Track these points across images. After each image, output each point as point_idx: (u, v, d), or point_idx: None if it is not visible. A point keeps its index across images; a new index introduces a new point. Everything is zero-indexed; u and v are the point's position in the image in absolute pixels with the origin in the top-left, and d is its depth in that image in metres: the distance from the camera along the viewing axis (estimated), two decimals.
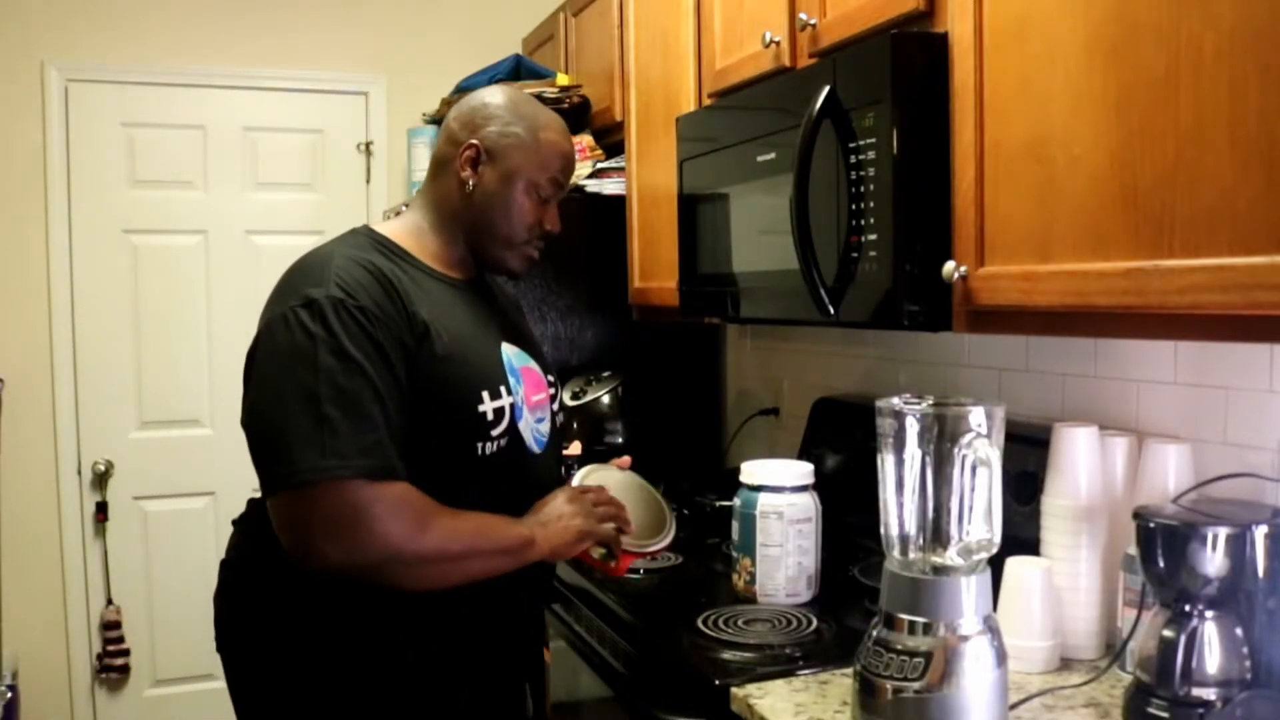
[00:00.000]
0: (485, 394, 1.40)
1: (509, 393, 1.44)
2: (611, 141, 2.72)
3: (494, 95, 1.53)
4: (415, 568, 1.30)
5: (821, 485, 1.85)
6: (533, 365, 1.56)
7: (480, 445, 1.40)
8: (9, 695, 2.99)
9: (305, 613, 1.39)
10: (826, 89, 1.50)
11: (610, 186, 2.66)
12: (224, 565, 1.53)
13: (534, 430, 1.50)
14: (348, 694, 1.39)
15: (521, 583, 1.48)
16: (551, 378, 1.62)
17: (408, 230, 1.51)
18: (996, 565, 1.30)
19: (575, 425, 2.56)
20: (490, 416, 1.41)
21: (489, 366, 1.44)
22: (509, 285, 1.78)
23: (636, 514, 1.55)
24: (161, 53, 3.26)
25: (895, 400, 1.21)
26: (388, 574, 1.29)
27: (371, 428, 1.26)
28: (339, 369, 1.25)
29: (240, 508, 1.55)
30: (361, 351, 1.27)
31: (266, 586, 1.42)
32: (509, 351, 1.51)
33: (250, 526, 1.47)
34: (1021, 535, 1.56)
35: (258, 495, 1.34)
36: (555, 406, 1.62)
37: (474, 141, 1.49)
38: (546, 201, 1.52)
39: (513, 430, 1.44)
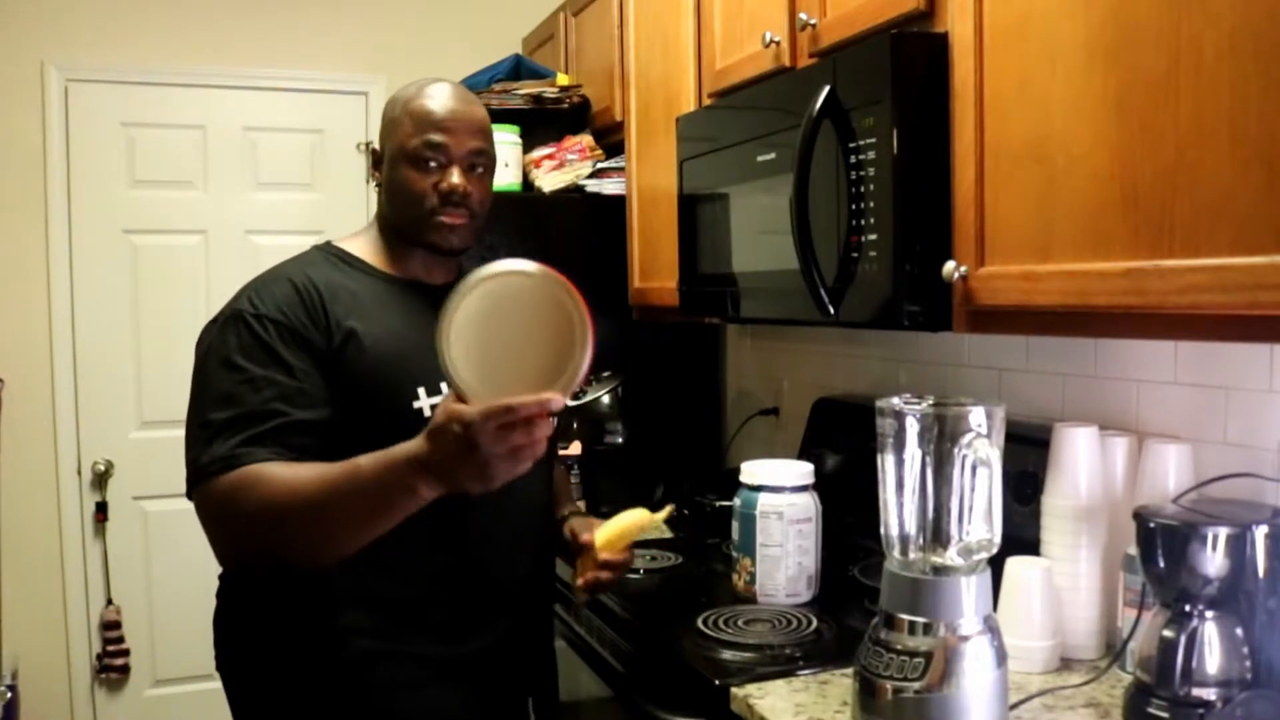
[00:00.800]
0: (421, 390, 1.40)
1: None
2: (611, 141, 2.72)
3: (396, 91, 1.54)
4: (282, 543, 1.27)
5: (821, 485, 1.85)
6: None
7: None
8: (9, 695, 2.99)
9: (302, 631, 1.41)
10: (826, 89, 1.50)
11: (610, 186, 2.66)
12: (220, 590, 1.54)
13: None
14: (344, 710, 1.40)
15: (517, 606, 1.51)
16: None
17: (364, 239, 1.55)
18: (996, 565, 1.30)
19: (575, 425, 2.56)
20: (428, 413, 1.39)
21: (428, 363, 1.29)
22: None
23: (532, 356, 1.17)
24: (161, 53, 3.26)
25: (895, 400, 1.21)
26: (270, 556, 1.30)
27: (249, 426, 1.29)
28: (225, 376, 1.33)
29: None
30: (249, 358, 1.34)
31: (262, 604, 1.45)
32: None
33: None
34: (1021, 535, 1.56)
35: None
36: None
37: (373, 146, 1.56)
38: (430, 166, 1.45)
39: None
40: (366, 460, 1.22)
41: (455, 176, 1.45)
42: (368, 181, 1.58)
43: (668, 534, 2.39)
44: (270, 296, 1.39)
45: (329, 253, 1.51)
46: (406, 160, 1.46)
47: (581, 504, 2.47)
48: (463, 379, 1.14)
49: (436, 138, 1.45)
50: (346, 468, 1.23)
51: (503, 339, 1.16)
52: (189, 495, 1.34)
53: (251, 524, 1.27)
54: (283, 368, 1.34)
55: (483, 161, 1.49)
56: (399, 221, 1.50)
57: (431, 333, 1.34)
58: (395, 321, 1.44)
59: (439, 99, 1.47)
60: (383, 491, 1.21)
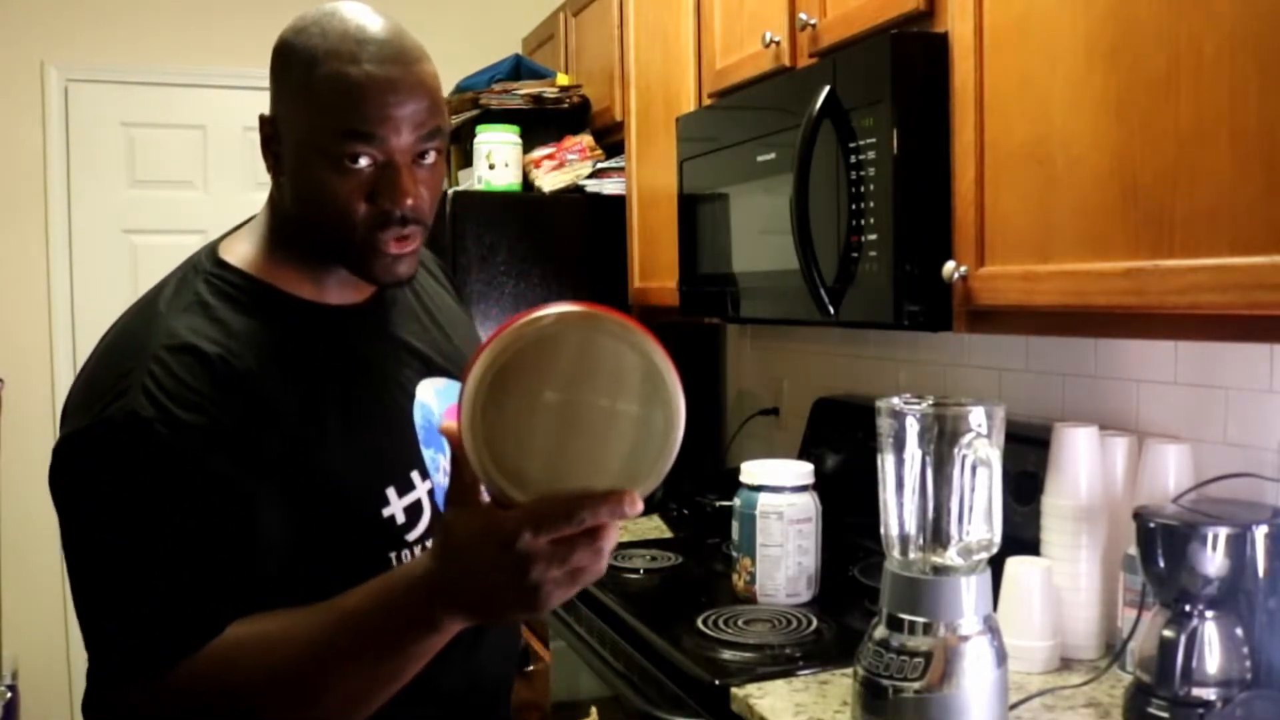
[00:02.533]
0: (390, 491, 1.03)
1: (425, 475, 1.07)
2: (611, 141, 2.72)
3: (293, 32, 1.04)
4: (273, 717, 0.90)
5: (821, 485, 1.84)
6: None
7: (394, 556, 1.03)
8: (9, 695, 2.99)
9: None
10: (826, 89, 1.50)
11: (610, 186, 2.66)
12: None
13: None
14: None
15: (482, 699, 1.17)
16: None
17: (260, 250, 1.07)
18: (996, 565, 1.30)
19: None
20: (401, 519, 1.04)
21: (394, 449, 1.06)
22: (429, 264, 1.32)
23: (592, 434, 0.77)
24: (161, 53, 3.26)
25: (895, 400, 1.21)
26: None
27: (187, 595, 0.91)
28: (135, 530, 0.91)
29: None
30: (169, 493, 0.91)
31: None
32: (427, 396, 1.11)
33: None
34: (1021, 535, 1.56)
35: None
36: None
37: (263, 114, 1.05)
38: (356, 164, 0.97)
39: (438, 522, 0.97)
40: (354, 603, 0.88)
41: (403, 183, 0.99)
42: (269, 172, 1.06)
43: (668, 534, 2.39)
44: (178, 386, 0.93)
45: (222, 280, 1.04)
46: (323, 159, 0.98)
47: None
48: (498, 477, 0.77)
49: (367, 130, 0.96)
50: (332, 616, 0.88)
51: (551, 415, 0.76)
52: (118, 694, 0.91)
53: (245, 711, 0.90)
54: (220, 499, 0.93)
55: (435, 144, 1.02)
56: (316, 240, 1.04)
57: (383, 392, 1.07)
58: (340, 393, 1.04)
59: (366, 60, 0.97)
60: (393, 638, 0.86)
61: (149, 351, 0.95)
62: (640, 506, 0.77)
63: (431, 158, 1.03)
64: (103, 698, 0.93)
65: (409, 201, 0.99)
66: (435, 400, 1.13)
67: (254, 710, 0.90)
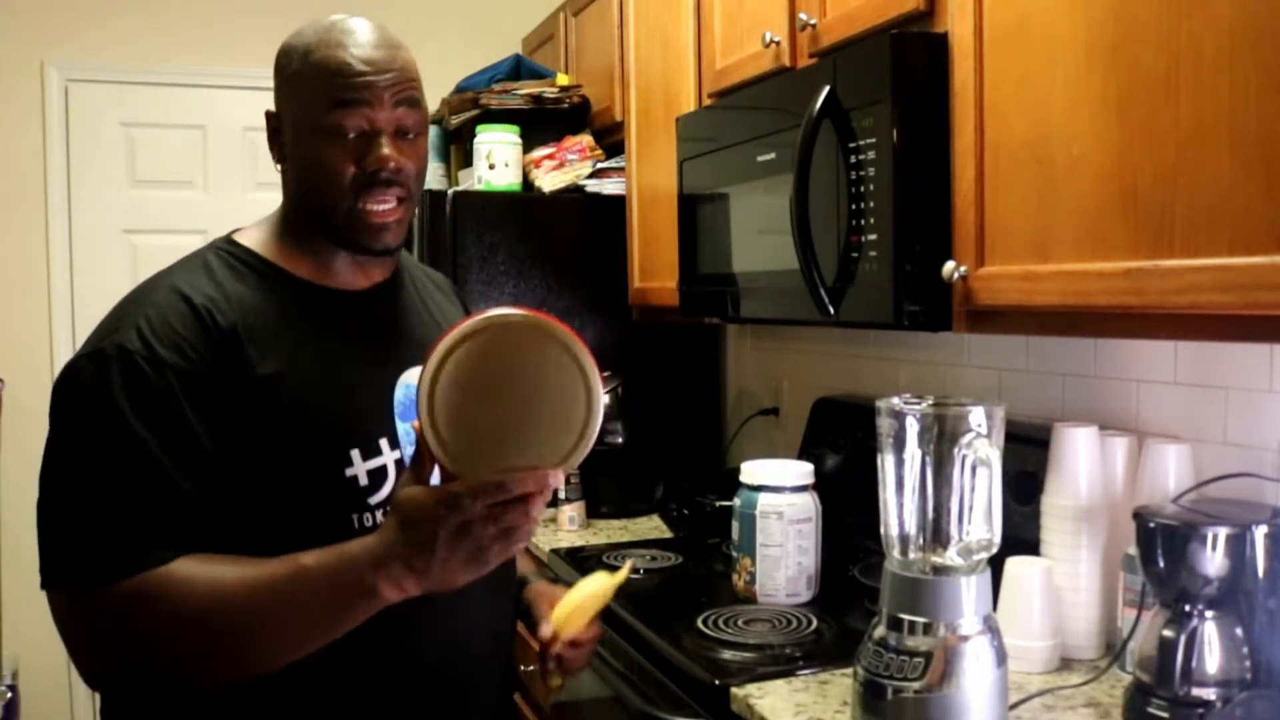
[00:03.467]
0: (355, 452, 1.10)
1: (395, 445, 1.14)
2: (611, 141, 2.72)
3: (291, 36, 1.20)
4: (203, 655, 1.00)
5: (821, 485, 1.85)
6: None
7: (356, 517, 1.10)
8: (9, 695, 2.99)
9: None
10: (826, 89, 1.50)
11: (610, 186, 2.66)
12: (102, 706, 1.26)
13: None
14: None
15: (478, 692, 1.22)
16: None
17: (271, 234, 1.20)
18: (996, 565, 1.30)
19: None
20: (364, 481, 1.10)
21: (364, 415, 1.13)
22: (443, 287, 1.42)
23: (530, 419, 0.95)
24: (161, 53, 3.26)
25: (895, 400, 1.21)
26: (173, 680, 1.03)
27: (143, 520, 1.00)
28: (111, 443, 1.01)
29: None
30: (142, 419, 1.01)
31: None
32: (413, 380, 1.12)
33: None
34: (1021, 535, 1.56)
35: None
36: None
37: (268, 110, 1.20)
38: (347, 135, 1.11)
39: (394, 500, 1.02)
40: (312, 560, 0.97)
41: (384, 148, 1.12)
42: (276, 163, 1.22)
43: (668, 534, 2.39)
44: (166, 329, 1.05)
45: (232, 256, 1.17)
46: (316, 133, 1.12)
47: (578, 507, 2.47)
48: (450, 452, 0.93)
49: (353, 97, 1.10)
50: (286, 570, 0.97)
51: (494, 401, 0.93)
52: (52, 594, 1.05)
53: (158, 642, 0.99)
54: (188, 435, 1.02)
55: (415, 122, 1.15)
56: (312, 214, 1.16)
57: (366, 363, 1.16)
58: (321, 356, 1.13)
59: (352, 45, 1.12)
60: (336, 598, 0.96)
61: (148, 299, 1.10)
62: (561, 479, 0.94)
63: (412, 136, 1.16)
64: (53, 592, 1.04)
65: (391, 164, 1.12)
66: None
67: (191, 636, 0.98)
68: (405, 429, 1.16)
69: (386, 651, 1.10)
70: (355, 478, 1.10)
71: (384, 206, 1.14)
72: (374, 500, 1.11)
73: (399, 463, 1.14)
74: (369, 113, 1.12)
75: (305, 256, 1.19)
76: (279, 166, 1.21)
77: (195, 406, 1.03)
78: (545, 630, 1.25)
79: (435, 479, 0.96)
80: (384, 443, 1.13)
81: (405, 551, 0.93)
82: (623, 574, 1.31)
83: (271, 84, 1.21)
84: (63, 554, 1.03)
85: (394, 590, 0.95)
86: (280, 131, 1.19)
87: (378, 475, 1.12)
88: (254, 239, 1.20)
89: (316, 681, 1.07)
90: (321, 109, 1.11)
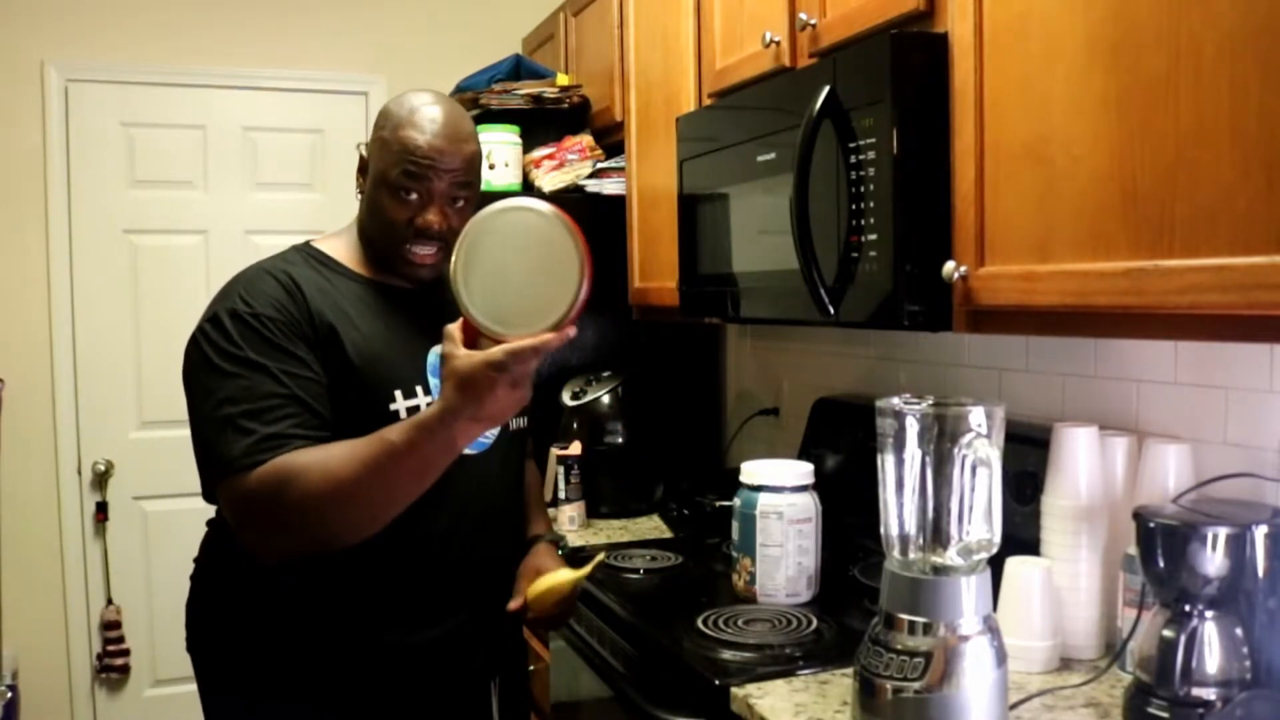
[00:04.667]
0: (398, 393, 1.43)
1: (428, 392, 1.46)
2: (611, 141, 2.72)
3: (392, 102, 1.52)
4: (328, 521, 1.29)
5: (821, 485, 1.85)
6: None
7: None
8: (9, 695, 2.99)
9: (269, 613, 1.45)
10: (826, 89, 1.50)
11: (610, 186, 2.66)
12: (195, 569, 1.58)
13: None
14: (310, 698, 1.44)
15: (479, 591, 1.55)
16: None
17: (343, 242, 1.56)
18: (996, 565, 1.30)
19: (575, 425, 2.56)
20: (403, 415, 1.41)
21: (404, 366, 1.46)
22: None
23: (538, 289, 1.24)
24: (161, 53, 3.26)
25: (895, 400, 1.21)
26: (314, 543, 1.32)
27: (270, 419, 1.31)
28: (235, 373, 1.33)
29: None
30: (256, 352, 1.34)
31: (231, 587, 1.49)
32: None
33: (219, 533, 1.55)
34: (1021, 535, 1.56)
35: None
36: (522, 421, 1.63)
37: (360, 151, 1.55)
38: (408, 196, 1.46)
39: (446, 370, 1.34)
40: (395, 432, 1.26)
41: (432, 214, 1.46)
42: (358, 191, 1.56)
43: (668, 534, 2.39)
44: (261, 294, 1.40)
45: (308, 254, 1.52)
46: (386, 187, 1.46)
47: (578, 507, 2.47)
48: (480, 314, 1.23)
49: (418, 172, 1.44)
50: (379, 443, 1.27)
51: (512, 273, 1.24)
52: (212, 495, 1.36)
53: (299, 514, 1.27)
54: (293, 359, 1.36)
55: (465, 195, 1.50)
56: (370, 237, 1.52)
57: (409, 336, 1.48)
58: (374, 324, 1.46)
59: (428, 130, 1.45)
60: (422, 455, 1.26)
61: (243, 280, 1.44)
62: (573, 332, 1.23)
63: (461, 204, 1.50)
64: (213, 493, 1.37)
65: (435, 227, 1.47)
66: None
67: (318, 498, 1.26)
68: (436, 384, 1.45)
69: (388, 548, 1.41)
70: (397, 411, 1.43)
71: (425, 252, 1.49)
72: None
73: (429, 404, 1.40)
74: (428, 186, 1.46)
75: (367, 261, 1.54)
76: (359, 195, 1.55)
77: (292, 342, 1.37)
78: (514, 603, 1.58)
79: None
80: (419, 389, 1.46)
81: (467, 407, 1.22)
82: (589, 568, 1.62)
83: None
84: (217, 457, 1.31)
85: (464, 437, 1.26)
86: (364, 172, 1.53)
87: (413, 411, 1.42)
88: (328, 245, 1.55)
89: (339, 571, 1.42)
90: (393, 172, 1.45)
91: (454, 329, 1.25)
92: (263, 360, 1.34)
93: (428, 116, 1.46)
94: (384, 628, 1.47)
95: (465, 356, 1.22)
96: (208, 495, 1.41)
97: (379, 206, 1.48)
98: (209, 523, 1.58)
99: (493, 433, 1.53)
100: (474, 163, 1.51)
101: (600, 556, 1.72)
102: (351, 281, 1.50)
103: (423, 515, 1.39)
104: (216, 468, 1.32)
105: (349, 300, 1.47)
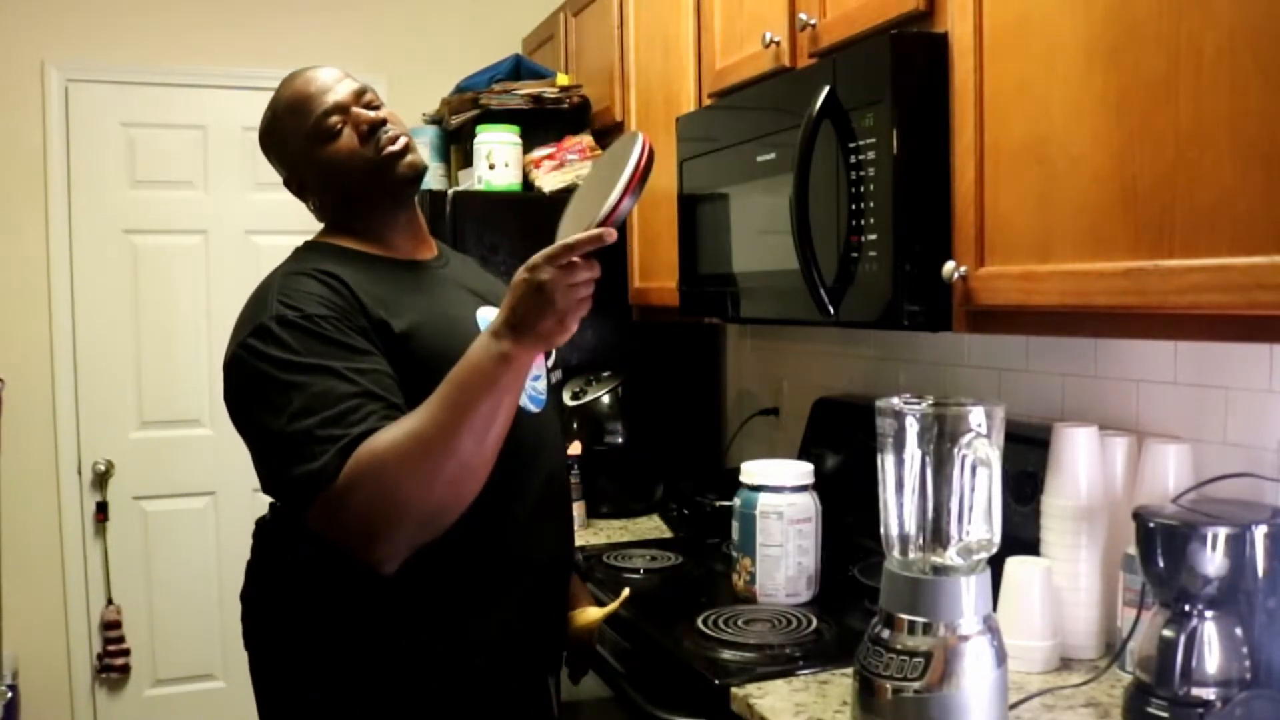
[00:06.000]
0: None
1: None
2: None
3: (263, 120, 1.50)
4: (432, 488, 1.20)
5: (821, 485, 1.85)
6: None
7: None
8: (9, 695, 2.99)
9: (328, 612, 1.38)
10: (826, 89, 1.50)
11: None
12: (249, 566, 1.51)
13: (529, 390, 1.45)
14: (369, 693, 1.37)
15: (541, 579, 1.47)
16: None
17: (342, 233, 1.49)
18: (996, 565, 1.30)
19: (575, 425, 2.56)
20: None
21: (462, 336, 1.35)
22: (478, 264, 1.70)
23: (594, 201, 1.26)
24: (161, 53, 3.26)
25: (895, 400, 1.21)
26: (427, 521, 1.22)
27: (352, 421, 1.21)
28: (301, 382, 1.23)
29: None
30: (319, 356, 1.25)
31: (290, 588, 1.42)
32: (488, 317, 1.41)
33: (272, 528, 1.48)
34: (1021, 535, 1.56)
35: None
36: (550, 362, 1.58)
37: (284, 176, 1.50)
38: (338, 128, 1.42)
39: None
40: (454, 371, 1.21)
41: (365, 114, 1.43)
42: (314, 210, 1.54)
43: (668, 534, 2.39)
44: (304, 294, 1.32)
45: (321, 248, 1.46)
46: (319, 143, 1.42)
47: (578, 507, 2.47)
48: (559, 233, 1.25)
49: (324, 104, 1.42)
50: (443, 390, 1.21)
51: (585, 196, 1.28)
52: (304, 514, 1.22)
53: (403, 493, 1.18)
54: (357, 353, 1.28)
55: (369, 94, 1.47)
56: (358, 196, 1.45)
57: (452, 314, 1.44)
58: (416, 306, 1.39)
59: (292, 83, 1.46)
60: (488, 380, 1.19)
61: (275, 284, 1.34)
62: (612, 236, 1.19)
63: (374, 103, 1.46)
64: (303, 513, 1.22)
65: (372, 119, 1.42)
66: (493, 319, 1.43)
67: (408, 476, 1.18)
68: None
69: (447, 540, 1.28)
70: None
71: (393, 147, 1.42)
72: None
73: None
74: (339, 105, 1.42)
75: (367, 240, 1.46)
76: (316, 207, 1.50)
77: (350, 337, 1.29)
78: None
79: None
80: None
81: (511, 315, 1.19)
82: (614, 605, 1.64)
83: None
84: (304, 476, 1.20)
85: (521, 350, 1.19)
86: (302, 183, 1.48)
87: None
88: (333, 239, 1.48)
89: (434, 583, 1.35)
90: (307, 129, 1.42)
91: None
92: (327, 363, 1.24)
93: (285, 82, 1.47)
94: (444, 620, 1.38)
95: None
96: (297, 517, 1.26)
97: (331, 166, 1.42)
98: (259, 522, 1.52)
99: (542, 387, 1.49)
100: (350, 75, 1.48)
101: (625, 593, 1.67)
102: (375, 264, 1.43)
103: (478, 503, 1.27)
104: (306, 487, 1.20)
105: (385, 284, 1.40)
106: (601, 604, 1.70)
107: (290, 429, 1.21)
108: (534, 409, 1.45)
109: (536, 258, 1.18)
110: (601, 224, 1.19)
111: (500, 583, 1.42)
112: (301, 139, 1.43)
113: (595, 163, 1.34)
